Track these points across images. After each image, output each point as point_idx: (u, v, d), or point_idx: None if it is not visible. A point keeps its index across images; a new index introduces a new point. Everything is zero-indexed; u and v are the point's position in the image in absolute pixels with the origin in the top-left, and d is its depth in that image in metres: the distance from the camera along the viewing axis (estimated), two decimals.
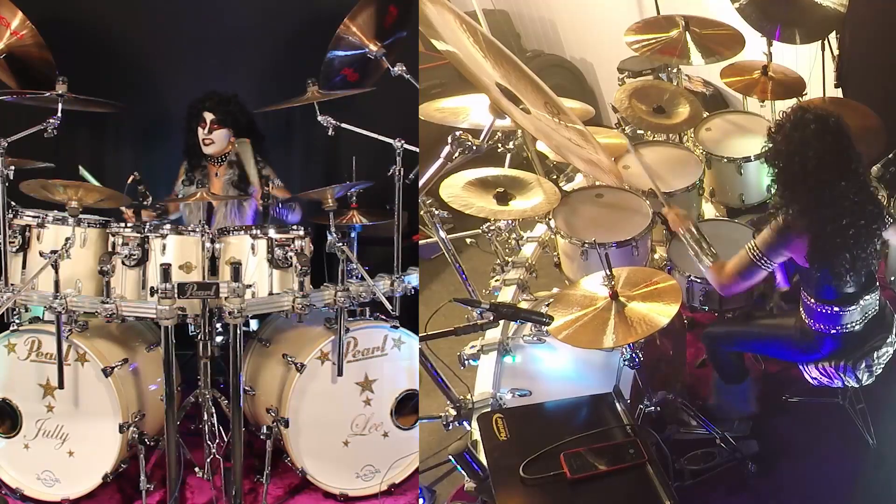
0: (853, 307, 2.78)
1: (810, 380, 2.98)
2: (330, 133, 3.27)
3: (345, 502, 3.21)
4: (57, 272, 2.82)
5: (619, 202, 3.54)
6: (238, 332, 2.86)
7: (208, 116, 3.50)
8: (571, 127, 2.55)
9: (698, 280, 3.26)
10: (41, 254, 2.85)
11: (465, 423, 3.02)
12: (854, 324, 2.81)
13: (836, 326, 2.81)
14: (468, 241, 4.04)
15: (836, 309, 2.78)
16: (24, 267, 2.96)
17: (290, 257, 3.05)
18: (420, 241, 3.79)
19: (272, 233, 3.06)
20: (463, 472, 2.44)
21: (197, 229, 3.01)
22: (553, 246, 3.61)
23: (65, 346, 2.89)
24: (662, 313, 2.67)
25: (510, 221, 3.69)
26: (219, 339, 3.08)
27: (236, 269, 2.84)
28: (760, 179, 3.77)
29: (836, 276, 2.69)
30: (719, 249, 3.30)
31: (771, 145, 2.71)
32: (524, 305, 3.36)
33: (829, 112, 2.65)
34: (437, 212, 3.31)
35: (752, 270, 2.76)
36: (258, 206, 3.53)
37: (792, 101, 3.89)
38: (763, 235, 2.74)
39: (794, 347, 2.95)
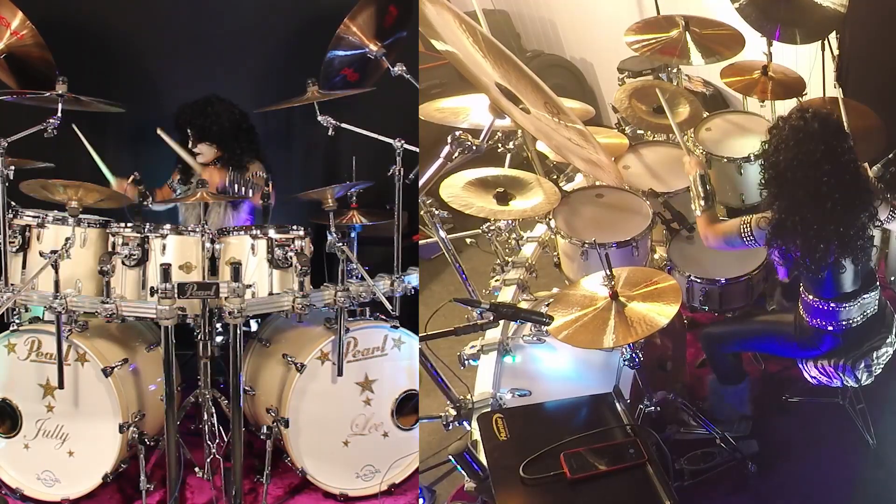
0: (851, 304, 2.78)
1: (810, 379, 2.98)
2: (330, 133, 3.27)
3: (345, 502, 3.21)
4: (57, 272, 2.82)
5: (619, 202, 3.55)
6: (238, 332, 2.85)
7: (190, 131, 3.52)
8: (571, 127, 2.55)
9: (698, 280, 3.26)
10: (41, 254, 2.85)
11: (465, 423, 3.02)
12: (852, 321, 2.81)
13: (833, 322, 2.81)
14: (468, 241, 4.04)
15: (832, 305, 2.78)
16: (24, 267, 2.96)
17: (290, 257, 3.05)
18: (420, 241, 3.79)
19: (272, 233, 3.06)
20: (463, 472, 2.43)
21: (197, 229, 3.01)
22: (553, 246, 3.61)
23: (65, 346, 2.89)
24: (662, 313, 2.67)
25: (510, 221, 3.69)
26: (219, 339, 3.08)
27: (236, 269, 2.84)
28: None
29: (824, 266, 2.71)
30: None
31: (764, 150, 2.77)
32: (524, 305, 3.36)
33: (818, 113, 2.67)
34: (437, 212, 3.31)
35: (736, 242, 2.88)
36: (253, 206, 3.55)
37: (792, 102, 3.90)
38: (757, 219, 2.80)
39: (792, 344, 2.96)
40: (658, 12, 4.49)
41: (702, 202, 3.05)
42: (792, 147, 2.65)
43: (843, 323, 2.81)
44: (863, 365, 2.86)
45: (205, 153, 3.56)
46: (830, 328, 2.83)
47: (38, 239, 2.95)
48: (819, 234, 2.66)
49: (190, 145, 3.55)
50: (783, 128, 2.69)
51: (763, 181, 2.79)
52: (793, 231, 2.69)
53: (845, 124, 3.29)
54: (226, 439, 3.01)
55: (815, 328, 2.86)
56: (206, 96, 3.55)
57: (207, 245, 3.00)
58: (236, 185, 3.53)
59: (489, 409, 2.96)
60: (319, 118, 3.27)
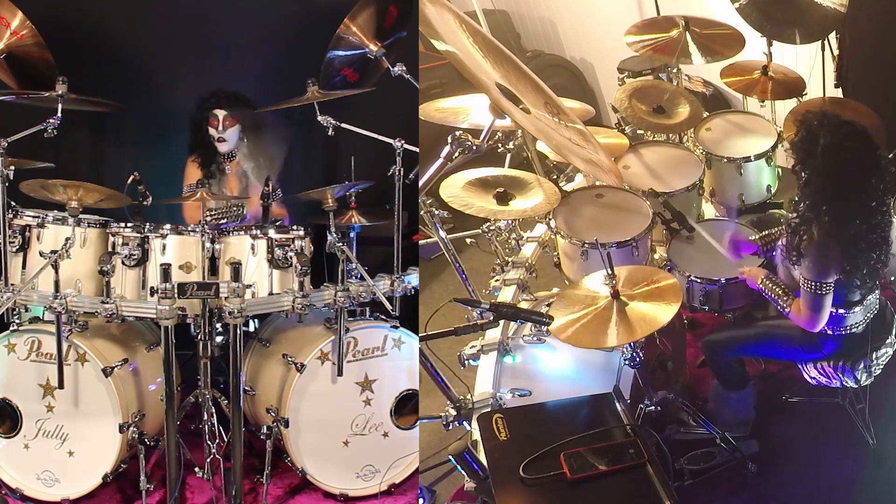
0: (857, 308, 2.78)
1: (809, 379, 2.98)
2: (330, 133, 3.27)
3: (345, 502, 3.21)
4: (57, 272, 2.82)
5: (619, 202, 3.55)
6: (238, 332, 2.86)
7: (220, 114, 3.51)
8: (571, 127, 2.55)
9: (698, 280, 3.26)
10: (41, 254, 2.85)
11: (465, 423, 3.02)
12: (857, 325, 2.81)
13: (840, 328, 2.81)
14: (468, 241, 4.04)
15: (840, 311, 2.77)
16: (24, 267, 2.96)
17: (290, 257, 3.05)
18: (420, 241, 3.79)
19: (272, 233, 3.06)
20: (463, 472, 2.43)
21: (197, 229, 3.01)
22: (553, 246, 3.61)
23: (65, 346, 2.89)
24: (663, 312, 2.67)
25: (510, 221, 3.69)
26: (219, 339, 3.07)
27: (236, 269, 2.84)
28: (760, 179, 3.78)
29: (860, 280, 2.69)
30: (720, 249, 3.29)
31: (800, 151, 2.68)
32: (524, 305, 3.36)
33: (843, 116, 2.65)
34: (437, 212, 3.31)
35: (818, 300, 2.70)
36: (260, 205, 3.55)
37: (792, 102, 3.91)
38: (805, 266, 2.69)
39: (795, 347, 2.95)
40: (658, 12, 4.50)
41: (786, 297, 2.84)
42: (837, 162, 2.59)
43: (849, 328, 2.81)
44: (862, 366, 2.86)
45: (230, 140, 3.55)
46: (835, 333, 2.82)
47: (38, 239, 2.95)
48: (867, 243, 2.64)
49: (219, 132, 3.52)
50: (832, 128, 2.61)
51: (804, 191, 2.71)
52: (836, 243, 2.63)
53: None
54: (226, 439, 3.01)
55: (820, 333, 2.85)
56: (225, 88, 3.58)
57: (207, 245, 3.00)
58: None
59: (489, 409, 2.96)
60: (319, 118, 3.27)
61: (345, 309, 3.08)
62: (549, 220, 3.49)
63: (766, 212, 3.82)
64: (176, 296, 2.76)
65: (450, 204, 3.23)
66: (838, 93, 4.06)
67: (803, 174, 2.69)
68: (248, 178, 3.61)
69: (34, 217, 2.96)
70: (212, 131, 3.53)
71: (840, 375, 2.88)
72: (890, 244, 2.72)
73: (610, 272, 2.78)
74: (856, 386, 2.93)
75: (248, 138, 3.61)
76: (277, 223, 3.55)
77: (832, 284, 2.67)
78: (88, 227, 2.98)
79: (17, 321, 3.03)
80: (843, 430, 3.17)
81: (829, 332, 2.83)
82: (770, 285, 2.89)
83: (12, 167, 2.86)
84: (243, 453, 2.95)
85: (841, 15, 3.80)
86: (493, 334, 3.25)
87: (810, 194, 2.68)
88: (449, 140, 2.49)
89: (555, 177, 3.71)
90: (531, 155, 3.99)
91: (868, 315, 2.83)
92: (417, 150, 3.21)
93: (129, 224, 2.99)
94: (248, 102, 3.58)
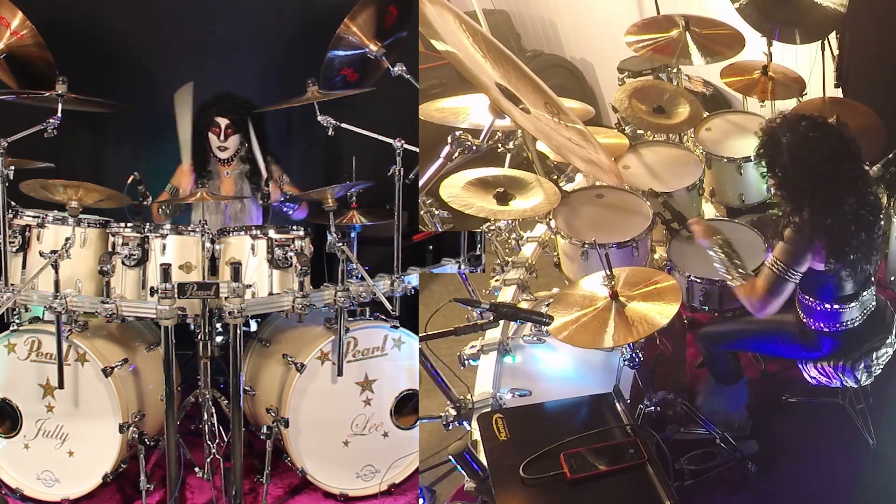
0: (853, 304, 2.79)
1: (809, 379, 2.98)
2: (330, 133, 3.27)
3: (345, 502, 3.21)
4: (57, 272, 2.82)
5: (619, 202, 3.54)
6: (238, 332, 2.86)
7: (223, 122, 3.50)
8: (571, 127, 2.55)
9: (698, 280, 3.26)
10: (41, 254, 2.85)
11: (465, 423, 3.02)
12: (854, 321, 2.81)
13: (837, 325, 2.81)
14: None
15: (836, 307, 2.78)
16: (24, 267, 2.96)
17: (290, 257, 3.05)
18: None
19: (272, 233, 3.06)
20: (463, 472, 2.43)
21: (197, 229, 3.01)
22: (553, 246, 3.61)
23: (65, 346, 2.89)
24: (662, 313, 2.67)
25: (510, 221, 3.69)
26: (219, 339, 3.08)
27: (236, 269, 2.84)
28: (760, 179, 3.78)
29: (854, 271, 2.70)
30: None
31: (767, 155, 2.72)
32: (524, 305, 3.36)
33: (817, 114, 2.67)
34: (437, 212, 3.31)
35: (781, 285, 2.71)
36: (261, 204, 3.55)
37: (792, 102, 3.91)
38: (781, 247, 2.71)
39: (793, 344, 2.95)
40: (658, 12, 4.50)
41: (738, 272, 2.82)
42: (804, 155, 2.62)
43: (845, 324, 2.81)
44: (862, 365, 2.86)
45: (232, 147, 3.56)
46: (832, 330, 2.83)
47: (38, 239, 2.95)
48: (850, 239, 2.65)
49: (220, 141, 3.53)
50: (799, 129, 2.63)
51: (776, 191, 2.74)
52: (818, 235, 2.65)
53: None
54: (226, 439, 3.01)
55: (816, 331, 2.86)
56: (228, 92, 3.58)
57: (207, 245, 3.00)
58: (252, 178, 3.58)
59: (489, 409, 2.96)
60: (319, 118, 3.27)
61: (345, 309, 3.08)
62: (549, 220, 3.49)
63: (766, 212, 3.81)
64: (176, 296, 2.76)
65: (450, 204, 3.23)
66: (838, 93, 4.06)
67: (777, 176, 2.71)
68: (246, 181, 3.60)
69: (34, 217, 2.96)
70: (213, 139, 3.53)
71: (840, 375, 2.88)
72: (880, 228, 2.72)
73: (608, 273, 2.78)
74: (856, 386, 2.93)
75: (249, 143, 3.60)
76: (288, 197, 3.54)
77: (799, 273, 2.69)
78: (88, 227, 2.98)
79: (17, 321, 3.04)
80: (843, 430, 3.17)
81: (826, 329, 2.83)
82: (725, 249, 2.87)
83: (12, 167, 2.86)
84: (243, 453, 2.95)
85: (841, 15, 3.80)
86: (493, 334, 3.25)
87: (789, 193, 2.70)
88: (449, 140, 2.50)
89: (555, 177, 3.71)
90: (531, 155, 3.98)
91: (865, 311, 2.83)
92: (417, 150, 3.22)
93: (129, 224, 2.99)
94: (251, 108, 3.57)
